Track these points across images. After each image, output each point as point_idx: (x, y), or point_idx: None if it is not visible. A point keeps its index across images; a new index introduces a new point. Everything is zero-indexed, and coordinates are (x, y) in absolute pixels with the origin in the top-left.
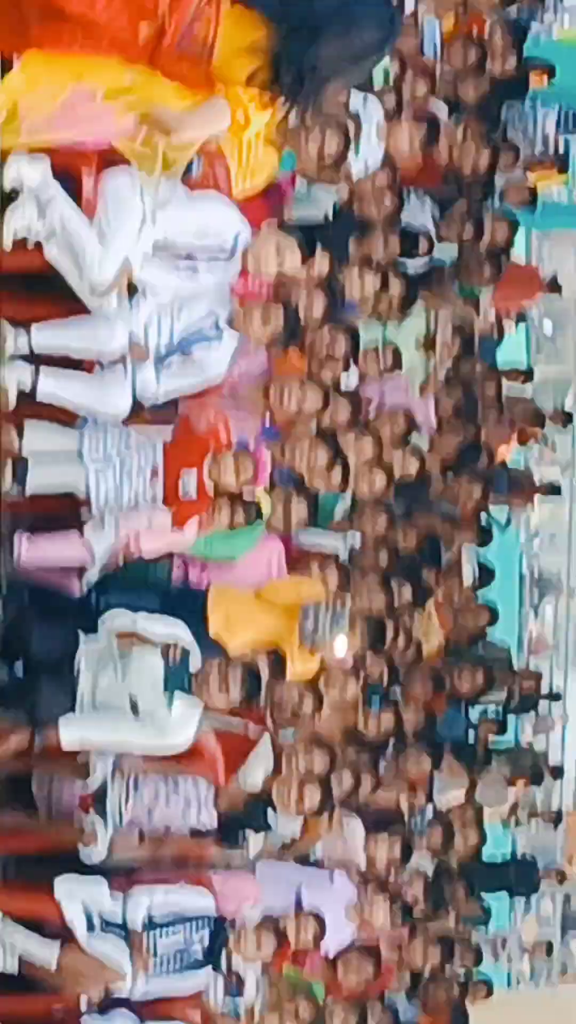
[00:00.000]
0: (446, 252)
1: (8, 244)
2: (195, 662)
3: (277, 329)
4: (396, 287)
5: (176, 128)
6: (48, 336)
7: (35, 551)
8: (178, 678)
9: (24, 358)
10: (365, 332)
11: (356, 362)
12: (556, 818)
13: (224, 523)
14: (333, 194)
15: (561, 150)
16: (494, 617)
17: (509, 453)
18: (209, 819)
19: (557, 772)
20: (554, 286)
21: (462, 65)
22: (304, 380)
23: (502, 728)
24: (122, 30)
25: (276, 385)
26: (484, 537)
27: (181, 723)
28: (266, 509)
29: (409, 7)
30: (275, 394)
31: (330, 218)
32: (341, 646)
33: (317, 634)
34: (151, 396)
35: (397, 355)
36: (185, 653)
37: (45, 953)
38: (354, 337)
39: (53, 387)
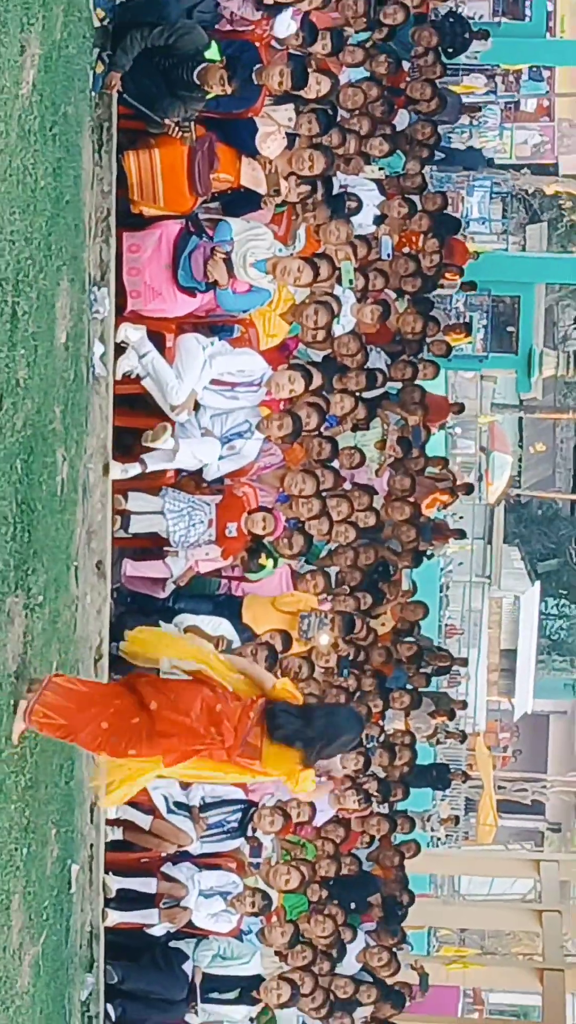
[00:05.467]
0: (392, 385)
1: (119, 377)
2: (236, 647)
3: (287, 432)
4: (361, 410)
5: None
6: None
7: (135, 571)
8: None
9: None
10: (342, 441)
11: (337, 457)
12: (463, 738)
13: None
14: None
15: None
16: (427, 611)
17: (432, 511)
18: None
19: (464, 706)
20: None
21: (404, 270)
22: (304, 466)
23: (428, 681)
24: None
25: (287, 471)
26: (418, 562)
27: None
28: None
29: (370, 228)
30: (288, 476)
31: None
32: (325, 640)
33: (309, 631)
34: (211, 472)
35: (362, 455)
36: (228, 647)
37: (143, 820)
38: (333, 443)
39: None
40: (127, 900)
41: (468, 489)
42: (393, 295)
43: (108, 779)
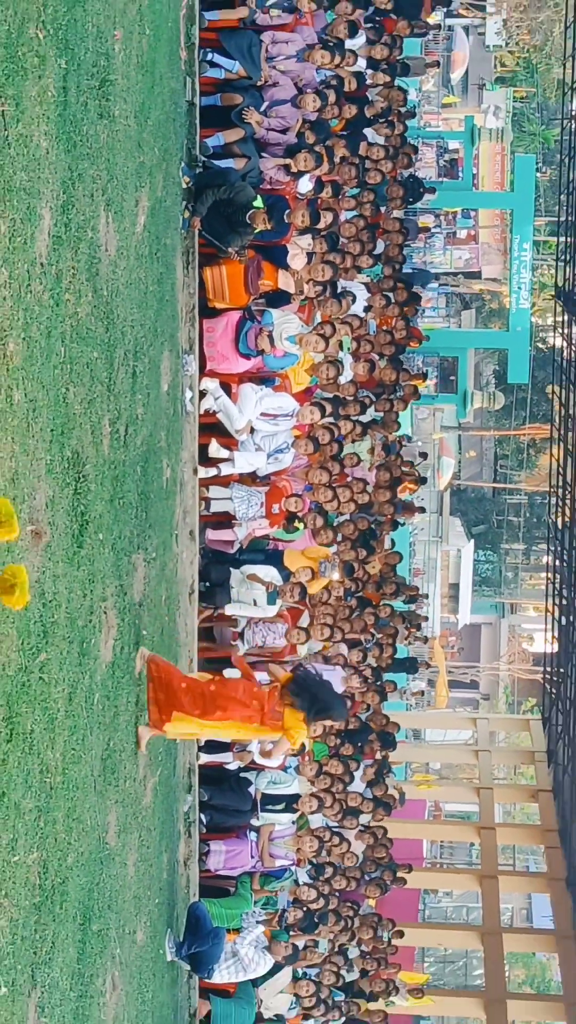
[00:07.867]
0: (376, 414)
1: (202, 412)
2: (279, 585)
3: (310, 448)
4: (357, 428)
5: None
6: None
7: (213, 536)
8: (272, 596)
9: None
10: (345, 449)
11: (342, 461)
12: (425, 640)
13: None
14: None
15: (425, 372)
16: (401, 558)
17: (404, 495)
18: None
19: (426, 619)
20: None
21: (383, 341)
22: (321, 465)
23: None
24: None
25: (310, 470)
26: (395, 528)
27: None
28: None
29: (361, 314)
30: (311, 473)
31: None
32: (336, 576)
33: (325, 571)
34: (262, 472)
35: (359, 458)
36: (275, 588)
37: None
38: (340, 451)
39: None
40: (212, 746)
41: (423, 481)
42: (377, 357)
43: (176, 727)
